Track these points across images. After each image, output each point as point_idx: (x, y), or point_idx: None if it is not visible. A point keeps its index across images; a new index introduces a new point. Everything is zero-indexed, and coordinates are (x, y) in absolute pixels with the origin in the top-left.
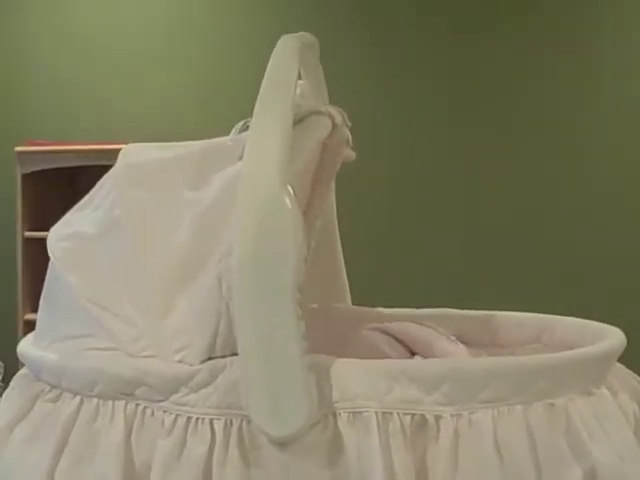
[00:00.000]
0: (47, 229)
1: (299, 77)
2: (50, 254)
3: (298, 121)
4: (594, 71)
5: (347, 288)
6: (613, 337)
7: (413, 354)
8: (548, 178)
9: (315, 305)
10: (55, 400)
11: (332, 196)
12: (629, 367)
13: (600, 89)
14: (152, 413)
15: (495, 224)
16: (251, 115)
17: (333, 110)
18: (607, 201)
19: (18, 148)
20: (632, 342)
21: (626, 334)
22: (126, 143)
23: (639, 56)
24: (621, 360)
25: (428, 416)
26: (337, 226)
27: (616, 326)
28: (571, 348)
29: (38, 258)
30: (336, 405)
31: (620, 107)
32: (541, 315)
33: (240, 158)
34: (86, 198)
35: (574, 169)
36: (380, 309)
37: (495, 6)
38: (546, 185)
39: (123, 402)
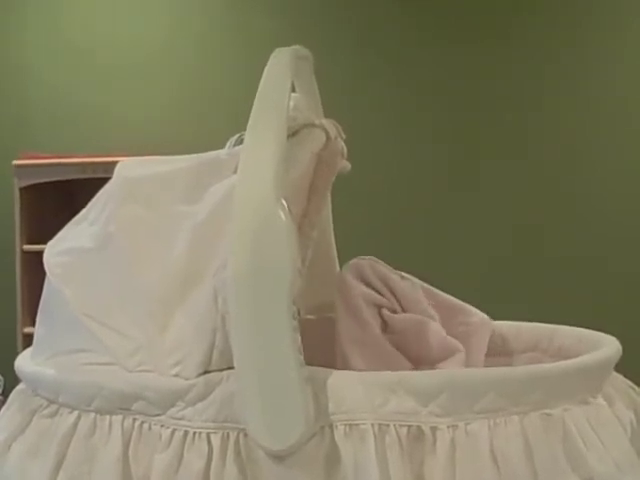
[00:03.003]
0: (45, 242)
1: (293, 90)
2: (46, 269)
3: (292, 134)
4: (595, 71)
5: None
6: (609, 346)
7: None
8: (548, 182)
9: (312, 316)
10: (52, 415)
11: (328, 207)
12: (625, 376)
13: (601, 88)
14: (149, 427)
15: (494, 231)
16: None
17: (327, 123)
18: (608, 204)
19: (16, 161)
20: (628, 351)
21: (622, 342)
22: (124, 155)
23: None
24: (617, 369)
25: (424, 427)
26: (333, 237)
27: (612, 334)
28: (568, 357)
29: (37, 271)
30: (332, 417)
31: (622, 107)
32: (538, 324)
33: (235, 171)
34: (82, 213)
35: (574, 173)
36: None
37: (494, 8)
38: (546, 189)
39: (120, 417)
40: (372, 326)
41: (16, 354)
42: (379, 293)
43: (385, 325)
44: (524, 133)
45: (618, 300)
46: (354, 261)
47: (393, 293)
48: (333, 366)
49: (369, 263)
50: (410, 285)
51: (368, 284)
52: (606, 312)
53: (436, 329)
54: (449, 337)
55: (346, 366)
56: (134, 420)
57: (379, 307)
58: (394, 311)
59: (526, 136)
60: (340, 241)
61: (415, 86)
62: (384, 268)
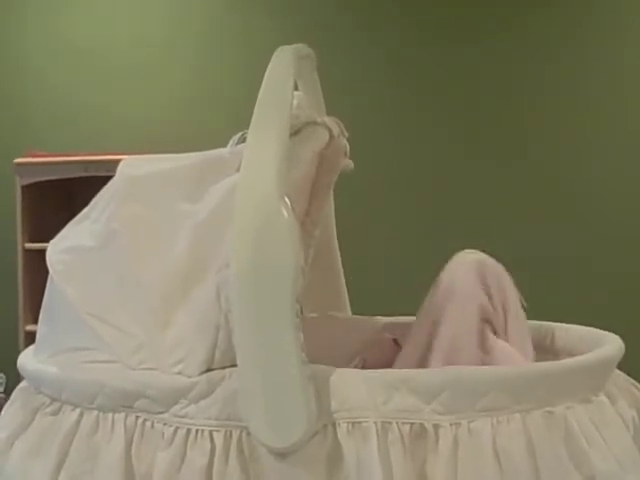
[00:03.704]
0: (47, 240)
1: (296, 88)
2: (49, 268)
3: (295, 132)
4: (594, 70)
5: (346, 297)
6: (612, 344)
7: None
8: (548, 182)
9: (315, 314)
10: (55, 413)
11: (330, 205)
12: (628, 374)
13: (600, 88)
14: (152, 425)
15: (494, 231)
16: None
17: (330, 121)
18: (608, 204)
19: (17, 160)
20: (630, 349)
21: (624, 341)
22: (126, 153)
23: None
24: (620, 367)
25: (427, 425)
26: (336, 235)
27: (615, 333)
28: (570, 355)
29: (39, 269)
30: (335, 415)
31: (622, 107)
32: (540, 322)
33: (237, 170)
34: (84, 211)
35: (574, 173)
36: (379, 317)
37: (494, 8)
38: (546, 189)
39: (123, 414)
40: (474, 344)
41: (18, 352)
42: (493, 305)
43: (485, 343)
44: (524, 133)
45: (619, 299)
46: (477, 258)
47: (505, 310)
48: (336, 364)
49: (494, 269)
50: (521, 311)
51: (487, 291)
52: (607, 312)
53: None
54: None
55: (424, 360)
56: (137, 418)
57: (488, 322)
58: (497, 330)
59: (526, 136)
60: (340, 240)
61: (415, 86)
62: (506, 277)
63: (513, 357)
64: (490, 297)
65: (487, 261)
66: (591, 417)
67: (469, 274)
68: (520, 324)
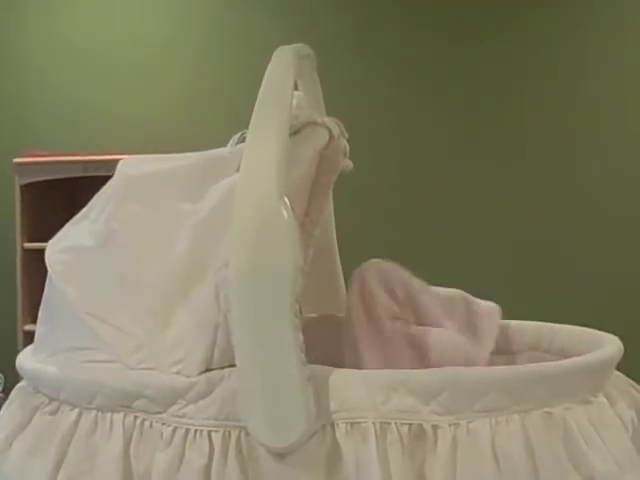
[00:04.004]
0: (46, 240)
1: (296, 88)
2: (48, 267)
3: (294, 132)
4: (594, 70)
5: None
6: (611, 345)
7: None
8: (548, 182)
9: (314, 315)
10: (54, 412)
11: (330, 206)
12: (627, 375)
13: (600, 88)
14: (151, 425)
15: (493, 231)
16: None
17: (330, 121)
18: (608, 204)
19: (17, 159)
20: (630, 350)
21: (624, 341)
22: (125, 153)
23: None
24: (619, 368)
25: (426, 426)
26: (335, 236)
27: (614, 333)
28: (570, 356)
29: (37, 269)
30: (334, 416)
31: (622, 107)
32: (539, 322)
33: (237, 170)
34: (84, 211)
35: (574, 173)
36: None
37: (494, 8)
38: (546, 189)
39: (122, 414)
40: (395, 341)
41: (16, 352)
42: (399, 305)
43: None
44: (524, 133)
45: (619, 299)
46: (378, 265)
47: (414, 307)
48: (335, 364)
49: (396, 272)
50: (430, 299)
51: (391, 293)
52: (607, 312)
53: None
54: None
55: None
56: (135, 418)
57: (396, 319)
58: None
59: (526, 136)
60: (340, 240)
61: (415, 86)
62: (407, 277)
63: (451, 341)
64: (396, 298)
65: (387, 266)
66: (590, 418)
67: (372, 282)
68: (435, 316)
